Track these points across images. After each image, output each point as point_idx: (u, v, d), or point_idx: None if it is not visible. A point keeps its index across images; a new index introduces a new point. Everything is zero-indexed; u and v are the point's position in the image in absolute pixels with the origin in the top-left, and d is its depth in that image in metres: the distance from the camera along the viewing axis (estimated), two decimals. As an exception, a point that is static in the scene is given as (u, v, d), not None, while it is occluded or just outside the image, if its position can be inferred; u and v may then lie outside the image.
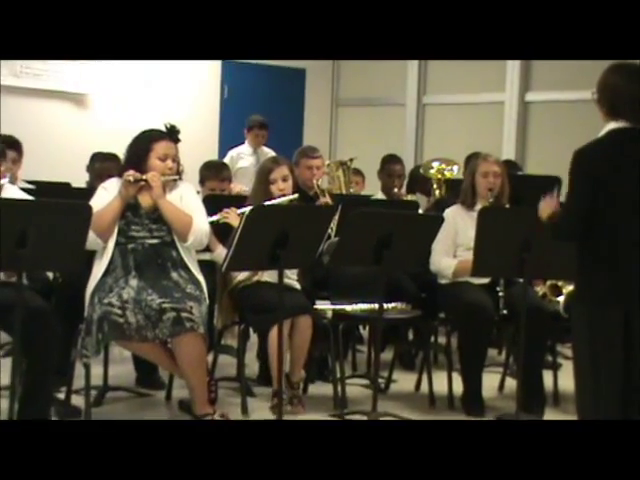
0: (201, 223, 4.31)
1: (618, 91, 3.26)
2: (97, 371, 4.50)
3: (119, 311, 4.04)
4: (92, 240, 4.05)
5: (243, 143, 7.61)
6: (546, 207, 3.44)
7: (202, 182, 5.39)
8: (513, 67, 8.60)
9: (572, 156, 3.28)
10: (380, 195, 6.34)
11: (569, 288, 4.80)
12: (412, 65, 9.30)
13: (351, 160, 6.69)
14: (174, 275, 4.25)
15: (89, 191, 4.60)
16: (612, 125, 3.29)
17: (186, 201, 4.34)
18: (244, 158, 7.50)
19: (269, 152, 7.30)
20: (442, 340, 5.36)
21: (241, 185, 6.61)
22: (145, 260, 4.23)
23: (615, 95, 3.26)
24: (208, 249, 4.57)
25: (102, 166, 5.28)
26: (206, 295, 4.28)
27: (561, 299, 4.95)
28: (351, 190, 6.64)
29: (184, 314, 4.07)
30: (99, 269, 4.21)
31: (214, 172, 5.40)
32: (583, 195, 3.24)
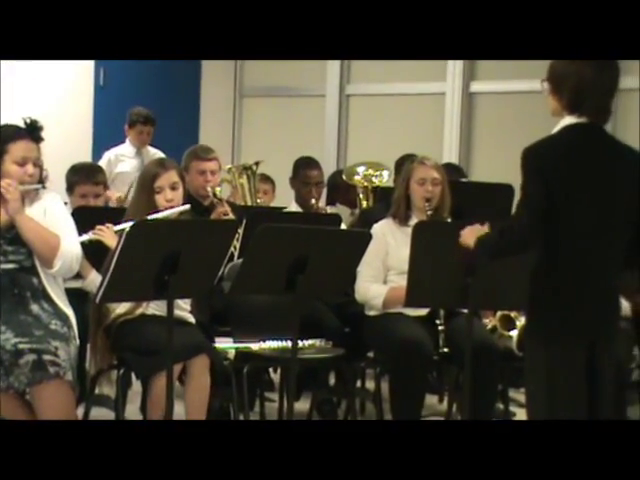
0: (70, 244, 4.27)
1: (584, 81, 3.33)
2: None
3: (-37, 355, 4.00)
4: None
5: (124, 142, 7.58)
6: (470, 233, 3.52)
7: (70, 189, 5.35)
8: (455, 52, 8.74)
9: (521, 155, 3.35)
10: (294, 207, 6.37)
11: (523, 320, 4.88)
12: (333, 48, 9.38)
13: (257, 164, 6.70)
14: (34, 308, 4.22)
15: None
16: (569, 120, 3.37)
17: (51, 216, 4.30)
18: (125, 161, 7.46)
19: (156, 153, 7.29)
20: (370, 385, 5.39)
21: (120, 193, 6.55)
22: (-3, 290, 4.18)
23: (580, 85, 3.34)
24: (78, 275, 4.53)
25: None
26: (76, 333, 4.27)
27: (514, 334, 5.02)
28: (258, 201, 6.65)
29: (47, 357, 4.04)
30: (-63, 302, 4.15)
31: (85, 175, 5.37)
32: (540, 194, 3.30)
